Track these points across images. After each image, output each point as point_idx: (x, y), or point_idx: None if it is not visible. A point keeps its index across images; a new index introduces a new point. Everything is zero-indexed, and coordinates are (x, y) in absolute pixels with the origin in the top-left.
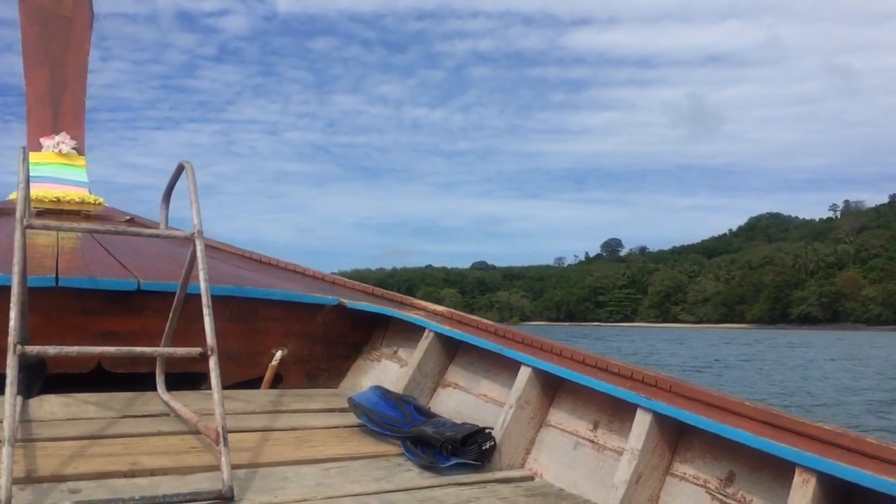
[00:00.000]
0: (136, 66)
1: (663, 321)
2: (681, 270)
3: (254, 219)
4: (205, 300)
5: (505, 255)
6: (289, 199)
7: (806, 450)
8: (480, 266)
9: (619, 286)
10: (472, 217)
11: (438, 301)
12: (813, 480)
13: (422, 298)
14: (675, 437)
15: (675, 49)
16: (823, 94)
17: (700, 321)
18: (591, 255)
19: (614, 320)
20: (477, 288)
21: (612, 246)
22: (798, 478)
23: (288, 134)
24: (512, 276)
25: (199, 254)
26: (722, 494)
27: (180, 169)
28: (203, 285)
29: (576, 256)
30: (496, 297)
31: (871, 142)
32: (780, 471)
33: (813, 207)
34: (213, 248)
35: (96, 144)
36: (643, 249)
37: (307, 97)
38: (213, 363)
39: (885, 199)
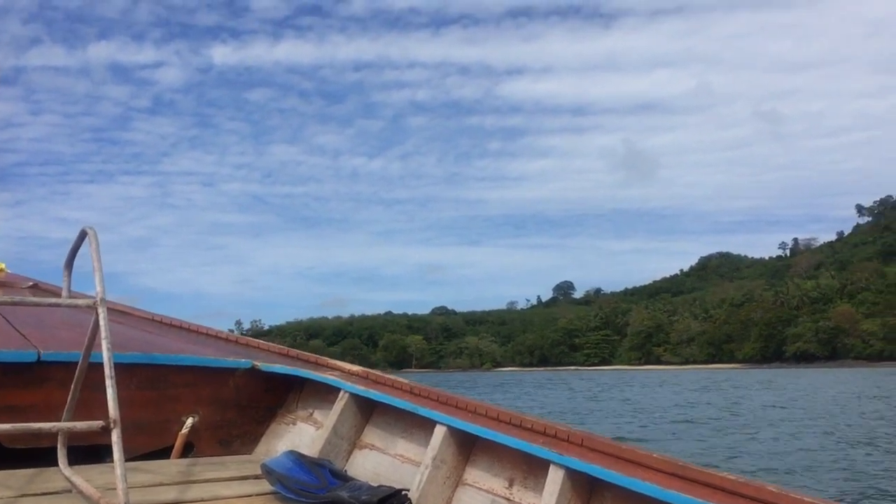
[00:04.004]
0: (68, 119)
1: (646, 363)
2: (654, 310)
3: (191, 271)
4: (107, 370)
5: (449, 301)
6: (227, 251)
7: (710, 500)
8: (441, 311)
9: (592, 328)
10: (414, 264)
11: (404, 348)
12: None
13: (386, 346)
14: (588, 492)
15: (608, 97)
16: (752, 138)
17: (686, 362)
18: (544, 298)
19: (592, 363)
20: (441, 334)
21: (564, 288)
22: None
23: (225, 185)
24: (474, 320)
25: (101, 322)
26: None
27: (83, 235)
28: (106, 354)
29: (528, 300)
30: (465, 342)
31: (797, 184)
32: None
33: (750, 247)
34: (120, 313)
35: (26, 199)
36: (598, 291)
37: (244, 148)
38: (115, 436)
39: (833, 237)
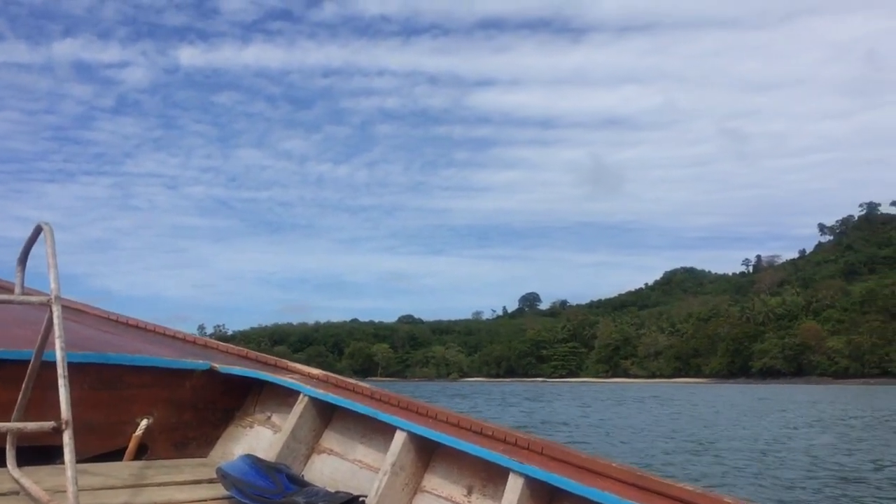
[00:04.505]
0: (29, 116)
1: (613, 376)
2: (622, 323)
3: (152, 274)
4: (60, 370)
5: (413, 310)
6: (188, 255)
7: None
8: (408, 320)
9: (559, 340)
10: (377, 273)
11: (370, 357)
12: None
13: (352, 354)
14: (547, 501)
15: (576, 111)
16: (716, 156)
17: (653, 376)
18: (509, 309)
19: (559, 375)
20: (408, 343)
21: (530, 300)
22: None
23: (189, 188)
24: (441, 330)
25: (55, 320)
26: None
27: (38, 230)
28: (59, 354)
29: (493, 311)
30: (432, 352)
31: (759, 202)
32: None
33: (712, 263)
34: (75, 311)
35: None
36: (564, 303)
37: (210, 151)
38: (67, 437)
39: (793, 255)
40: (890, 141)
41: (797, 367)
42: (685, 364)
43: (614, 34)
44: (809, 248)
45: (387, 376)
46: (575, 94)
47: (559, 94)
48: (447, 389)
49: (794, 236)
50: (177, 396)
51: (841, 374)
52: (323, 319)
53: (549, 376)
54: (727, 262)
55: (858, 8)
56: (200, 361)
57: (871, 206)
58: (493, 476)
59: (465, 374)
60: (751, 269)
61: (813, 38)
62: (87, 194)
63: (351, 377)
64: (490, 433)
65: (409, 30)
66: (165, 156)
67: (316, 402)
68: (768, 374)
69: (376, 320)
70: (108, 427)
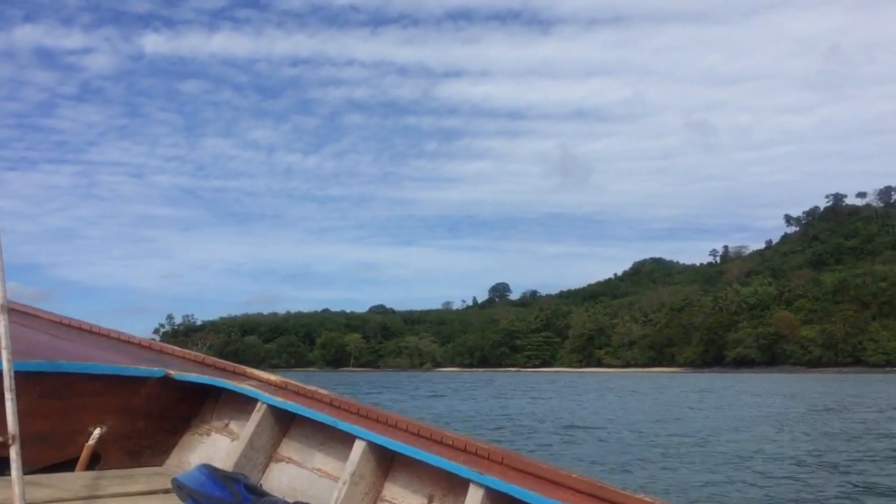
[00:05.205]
0: None
1: (587, 366)
2: (595, 312)
3: (116, 264)
4: (7, 383)
5: (382, 300)
6: (154, 245)
7: None
8: (380, 310)
9: (533, 330)
10: (347, 263)
11: (342, 347)
12: None
13: (323, 344)
14: None
15: (544, 103)
16: (682, 148)
17: (627, 365)
18: (479, 299)
19: (532, 365)
20: (380, 333)
21: (500, 290)
22: None
23: (154, 177)
24: (413, 320)
25: (2, 331)
26: None
27: None
28: (6, 366)
29: (463, 301)
30: (405, 342)
31: (724, 194)
32: None
33: (679, 254)
34: (26, 316)
35: None
36: (534, 293)
37: (176, 140)
38: (13, 453)
39: (758, 246)
40: (853, 133)
41: (771, 357)
42: (659, 353)
43: (582, 26)
44: (775, 240)
45: (359, 366)
46: (543, 86)
47: (527, 85)
48: (448, 381)
49: (759, 228)
50: (130, 404)
51: (814, 363)
52: (293, 310)
53: (523, 366)
54: (694, 253)
55: (821, 3)
56: (155, 368)
57: (837, 198)
58: (454, 486)
59: (438, 364)
60: (718, 259)
61: (777, 33)
62: (49, 183)
63: (323, 367)
64: (450, 442)
65: (378, 20)
66: (130, 144)
67: (274, 410)
68: (742, 363)
69: (348, 310)
70: (59, 437)
